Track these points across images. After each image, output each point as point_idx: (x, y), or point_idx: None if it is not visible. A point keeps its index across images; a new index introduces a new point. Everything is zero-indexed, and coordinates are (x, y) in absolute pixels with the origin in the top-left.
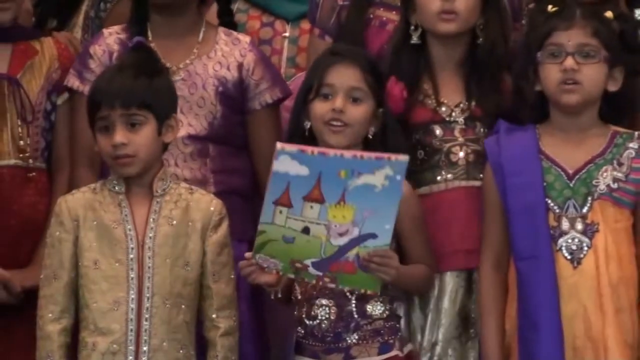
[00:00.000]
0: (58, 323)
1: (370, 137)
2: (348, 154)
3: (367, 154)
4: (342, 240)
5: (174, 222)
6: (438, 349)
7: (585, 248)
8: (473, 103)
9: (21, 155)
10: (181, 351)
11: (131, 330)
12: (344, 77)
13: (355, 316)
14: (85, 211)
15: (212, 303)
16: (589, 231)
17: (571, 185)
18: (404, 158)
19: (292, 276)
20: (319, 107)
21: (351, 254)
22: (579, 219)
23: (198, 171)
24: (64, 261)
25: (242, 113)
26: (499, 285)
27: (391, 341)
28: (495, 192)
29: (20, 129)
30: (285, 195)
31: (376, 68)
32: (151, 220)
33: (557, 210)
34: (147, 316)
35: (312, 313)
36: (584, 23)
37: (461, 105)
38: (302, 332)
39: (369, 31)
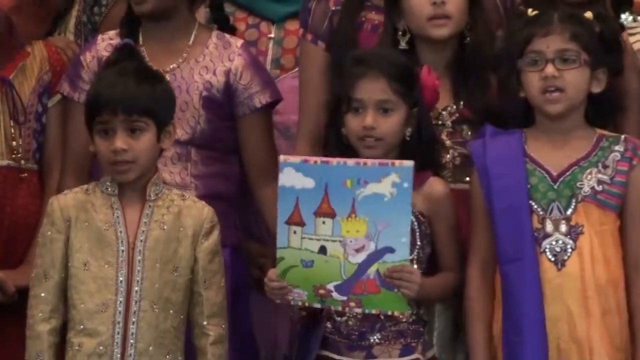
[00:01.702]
0: (48, 323)
1: (408, 138)
2: (351, 161)
3: (370, 161)
4: (360, 257)
5: (166, 226)
6: (435, 350)
7: (570, 250)
8: (461, 106)
9: (13, 156)
10: (168, 356)
11: (118, 332)
12: (372, 91)
13: (382, 316)
14: (77, 212)
15: (202, 310)
16: (573, 233)
17: (555, 187)
18: (408, 163)
19: (318, 305)
20: (352, 122)
21: (371, 272)
22: (563, 221)
23: (178, 175)
24: (55, 261)
25: (228, 119)
26: (487, 289)
27: (414, 344)
28: (481, 194)
29: (12, 130)
30: (296, 212)
31: (404, 70)
32: (143, 223)
33: (541, 213)
34: (134, 319)
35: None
36: (562, 28)
37: (449, 108)
38: (331, 327)
39: (362, 35)
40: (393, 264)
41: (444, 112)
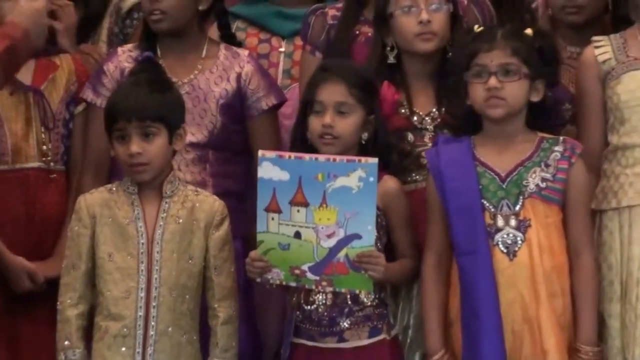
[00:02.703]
0: (76, 308)
1: (364, 142)
2: (322, 157)
3: (339, 157)
4: (331, 242)
5: (181, 220)
6: (410, 332)
7: (520, 242)
8: (442, 112)
9: (44, 158)
10: (184, 336)
11: (140, 316)
12: (331, 93)
13: (349, 303)
14: (102, 209)
15: (213, 294)
16: (522, 226)
17: (504, 186)
18: (373, 160)
19: (294, 284)
20: (314, 122)
21: (341, 255)
22: (512, 216)
23: (198, 175)
24: (82, 253)
25: (240, 122)
26: (440, 281)
27: (380, 326)
28: (436, 197)
29: (43, 135)
30: (274, 201)
31: (364, 79)
32: (160, 218)
33: (493, 210)
34: (154, 304)
35: (310, 299)
36: (504, 44)
37: (431, 114)
38: (301, 316)
39: (356, 46)
40: (361, 249)
41: (427, 118)
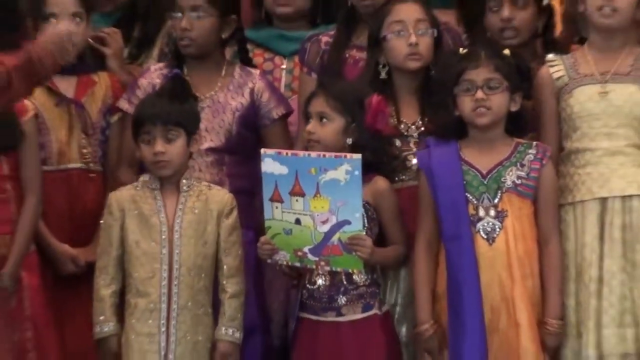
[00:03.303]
0: (109, 288)
1: (349, 145)
2: (314, 154)
3: (328, 154)
4: (326, 227)
5: (196, 211)
6: (398, 309)
7: (498, 230)
8: (425, 121)
9: (84, 160)
10: (201, 309)
11: (164, 293)
12: (315, 104)
13: (345, 283)
14: (129, 203)
15: (223, 272)
16: (500, 217)
17: (485, 182)
18: (357, 156)
19: (298, 264)
20: (304, 130)
21: (335, 239)
22: (492, 208)
23: (216, 175)
24: (113, 241)
25: (253, 130)
26: (430, 262)
27: (372, 303)
28: (427, 191)
29: (83, 140)
30: (276, 192)
31: (344, 93)
32: (179, 210)
33: (475, 202)
34: (175, 283)
35: (313, 280)
36: (488, 62)
37: (416, 123)
38: (306, 294)
39: (346, 67)
40: (351, 233)
41: (412, 126)
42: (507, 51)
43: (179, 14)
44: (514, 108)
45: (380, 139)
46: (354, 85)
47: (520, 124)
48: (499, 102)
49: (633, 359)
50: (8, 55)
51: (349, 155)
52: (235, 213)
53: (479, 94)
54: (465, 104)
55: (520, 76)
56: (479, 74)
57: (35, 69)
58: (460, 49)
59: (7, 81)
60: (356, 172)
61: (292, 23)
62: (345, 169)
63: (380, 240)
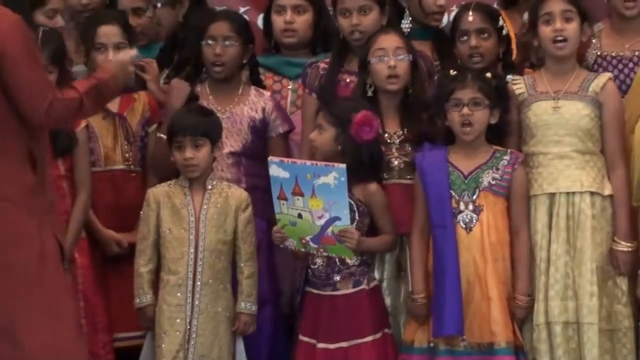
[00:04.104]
0: (146, 267)
1: (339, 151)
2: (308, 162)
3: (320, 163)
4: (321, 222)
5: (218, 205)
6: (384, 284)
7: (475, 221)
8: (405, 131)
9: (126, 163)
10: (220, 285)
11: (190, 272)
12: (318, 117)
13: (338, 264)
14: (164, 197)
15: (240, 257)
16: (477, 210)
17: (466, 182)
18: (342, 166)
19: (303, 250)
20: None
21: (329, 231)
22: (470, 203)
23: (235, 174)
24: (150, 228)
25: (263, 139)
26: (423, 245)
27: (361, 279)
28: (420, 187)
29: (126, 147)
30: (282, 192)
31: (335, 109)
32: (204, 204)
33: (457, 197)
34: (200, 263)
35: (314, 261)
36: (473, 83)
37: (397, 133)
38: (310, 272)
39: (339, 89)
40: (341, 227)
41: (394, 135)
42: (489, 75)
43: (212, 42)
44: (493, 121)
45: (365, 146)
46: (346, 103)
47: (500, 134)
48: (481, 117)
49: (574, 327)
50: (79, 81)
51: (336, 164)
52: (250, 208)
53: (465, 110)
54: (455, 119)
55: (499, 95)
56: (466, 94)
57: (102, 92)
58: (451, 71)
59: (80, 105)
60: (342, 179)
61: (296, 51)
62: (334, 175)
63: (374, 230)
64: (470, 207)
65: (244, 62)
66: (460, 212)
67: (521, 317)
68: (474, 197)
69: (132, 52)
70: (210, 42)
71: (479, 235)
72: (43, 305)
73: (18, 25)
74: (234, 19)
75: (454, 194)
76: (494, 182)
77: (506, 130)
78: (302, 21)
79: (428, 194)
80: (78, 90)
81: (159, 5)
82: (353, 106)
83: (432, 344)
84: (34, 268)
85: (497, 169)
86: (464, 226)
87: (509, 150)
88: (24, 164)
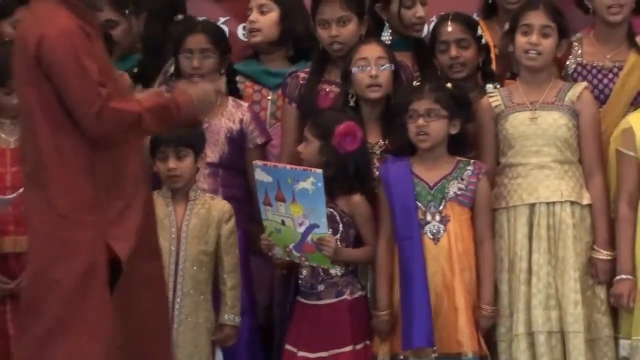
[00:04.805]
0: None
1: (324, 162)
2: (289, 166)
3: (298, 167)
4: (302, 229)
5: (201, 216)
6: (368, 293)
7: (442, 231)
8: (386, 142)
9: None
10: (201, 296)
11: (171, 282)
12: (304, 130)
13: (322, 274)
14: None
15: (223, 268)
16: (444, 221)
17: (432, 192)
18: (319, 171)
19: (287, 259)
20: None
21: (309, 239)
22: (437, 214)
23: (212, 184)
24: None
25: (240, 150)
26: (390, 259)
27: (344, 290)
28: (385, 198)
29: None
30: (267, 197)
31: (319, 121)
32: (186, 215)
33: (423, 208)
34: (181, 273)
35: (300, 270)
36: (429, 94)
37: (379, 143)
38: (299, 282)
39: (319, 98)
40: (319, 235)
41: (375, 145)
42: (449, 85)
43: (190, 55)
44: (453, 131)
45: (350, 157)
46: (329, 115)
47: (463, 144)
48: (437, 127)
49: (557, 336)
50: (149, 96)
51: (313, 169)
52: (233, 220)
53: (420, 121)
54: (411, 129)
55: (459, 104)
56: (421, 105)
57: (168, 114)
58: (415, 82)
59: (137, 120)
60: (319, 184)
61: (270, 55)
62: (311, 180)
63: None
64: (437, 217)
65: (222, 72)
66: (427, 222)
67: (486, 327)
68: (441, 207)
69: (220, 83)
70: (187, 54)
71: (447, 245)
72: (80, 324)
73: (67, 33)
74: (210, 30)
75: (420, 205)
76: (459, 193)
77: (467, 141)
78: (265, 20)
79: (394, 206)
80: (141, 104)
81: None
82: (336, 117)
83: (401, 357)
84: (79, 286)
85: (462, 179)
86: (431, 237)
87: (472, 161)
88: (84, 177)
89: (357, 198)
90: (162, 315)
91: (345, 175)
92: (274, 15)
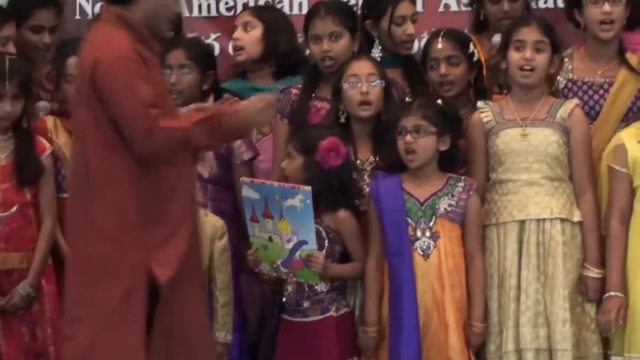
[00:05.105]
0: None
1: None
2: (276, 184)
3: (287, 184)
4: (290, 245)
5: None
6: (357, 312)
7: (432, 248)
8: (377, 158)
9: None
10: None
11: None
12: (288, 146)
13: (307, 290)
14: None
15: (215, 285)
16: (434, 237)
17: (422, 209)
18: (307, 188)
19: (275, 274)
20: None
21: (297, 255)
22: (427, 230)
23: (201, 199)
24: None
25: (229, 166)
26: (379, 275)
27: (330, 307)
28: (375, 214)
29: None
30: (254, 214)
31: (301, 137)
32: None
33: (414, 225)
34: None
35: (286, 287)
36: (417, 111)
37: (369, 160)
38: (284, 299)
39: (310, 114)
40: (308, 252)
41: (366, 162)
42: (439, 101)
43: (169, 71)
44: (443, 148)
45: (334, 173)
46: (313, 131)
47: (453, 161)
48: (425, 144)
49: (545, 354)
50: (196, 112)
51: (302, 186)
52: (226, 237)
53: (407, 137)
54: (400, 146)
55: (448, 121)
56: (409, 121)
57: (217, 127)
58: (406, 99)
59: (185, 137)
60: (307, 201)
61: (256, 73)
62: (300, 198)
63: (348, 258)
64: (427, 234)
65: (205, 88)
66: (417, 239)
67: (476, 344)
68: (431, 223)
69: (276, 95)
70: (167, 70)
71: (437, 262)
72: (115, 347)
73: (122, 58)
74: (190, 46)
75: (410, 221)
76: (450, 209)
77: (457, 157)
78: (248, 37)
79: (384, 222)
80: (189, 120)
81: None
82: (320, 133)
83: None
84: (117, 310)
85: (453, 196)
86: (421, 253)
87: (463, 177)
88: (130, 199)
89: (342, 214)
90: (203, 338)
91: (330, 191)
92: (257, 32)
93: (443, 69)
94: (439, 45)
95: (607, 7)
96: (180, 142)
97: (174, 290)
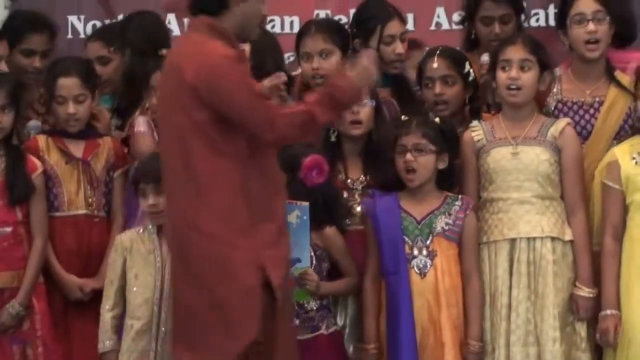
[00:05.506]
0: (112, 312)
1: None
2: None
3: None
4: None
5: None
6: (347, 330)
7: (429, 266)
8: (368, 177)
9: (89, 208)
10: None
11: (155, 317)
12: None
13: (297, 308)
14: (132, 243)
15: None
16: (431, 256)
17: (419, 227)
18: (305, 204)
19: None
20: None
21: (291, 273)
22: (424, 248)
23: None
24: (117, 274)
25: None
26: (376, 292)
27: (320, 325)
28: (372, 233)
29: (89, 192)
30: None
31: (288, 154)
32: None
33: (410, 243)
34: (164, 310)
35: None
36: (417, 129)
37: (360, 179)
38: None
39: None
40: (301, 270)
41: (357, 181)
42: (437, 119)
43: (153, 92)
44: (441, 166)
45: (318, 191)
46: (296, 148)
47: (450, 179)
48: (425, 162)
49: None
50: (310, 94)
51: (299, 202)
52: None
53: (408, 156)
54: (399, 165)
55: (447, 140)
56: (409, 140)
57: (337, 98)
58: (402, 117)
59: (309, 117)
60: (304, 217)
61: None
62: (297, 214)
63: (334, 275)
64: (424, 252)
65: None
66: (414, 257)
67: None
68: (428, 242)
69: (372, 52)
70: (152, 91)
71: (433, 280)
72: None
73: (228, 58)
74: None
75: (407, 239)
76: (447, 228)
77: (454, 176)
78: None
79: (381, 240)
80: (307, 102)
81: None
82: (303, 151)
83: None
84: (240, 308)
85: (450, 215)
86: (418, 271)
87: (460, 196)
88: (239, 200)
89: (329, 231)
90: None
91: (315, 209)
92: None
93: (438, 88)
94: (435, 64)
95: (591, 26)
96: (304, 124)
97: (284, 294)
